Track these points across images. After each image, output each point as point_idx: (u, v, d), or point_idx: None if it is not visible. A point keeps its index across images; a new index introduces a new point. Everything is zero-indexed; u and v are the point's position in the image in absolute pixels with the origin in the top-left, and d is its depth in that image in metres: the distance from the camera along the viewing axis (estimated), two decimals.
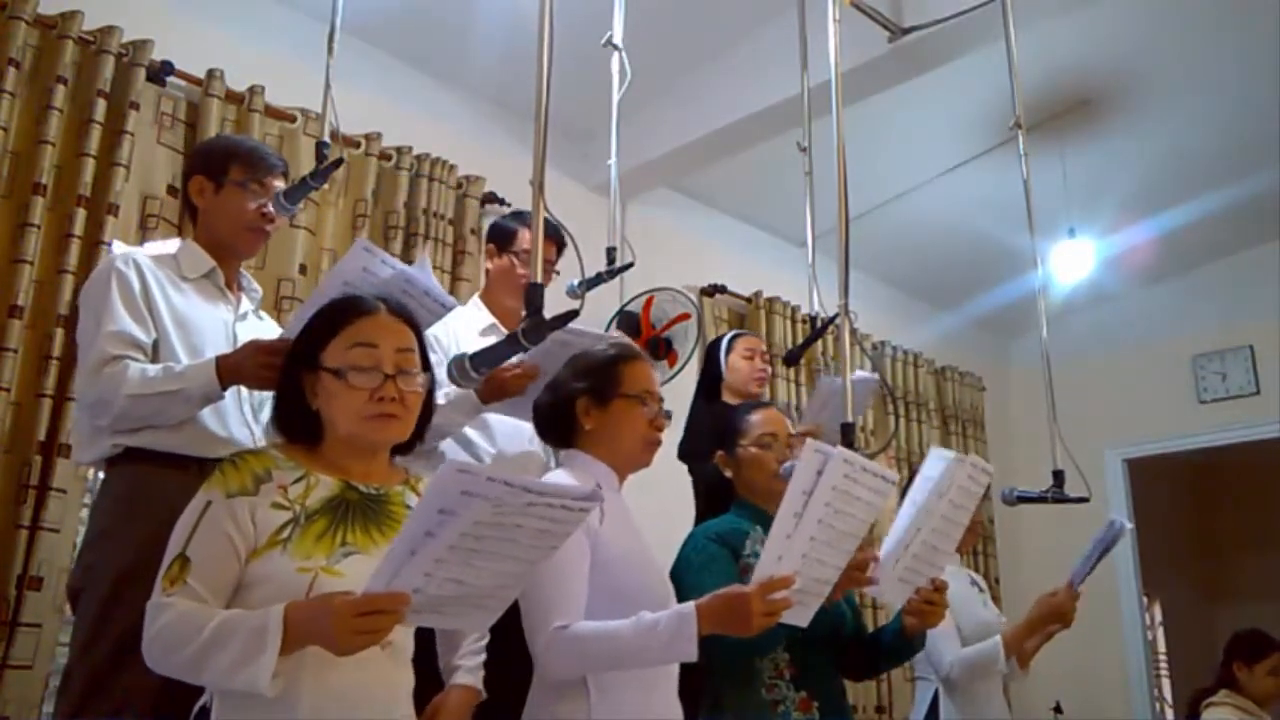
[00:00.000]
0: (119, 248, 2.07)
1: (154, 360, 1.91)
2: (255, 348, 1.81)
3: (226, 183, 2.08)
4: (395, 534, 1.43)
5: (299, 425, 1.51)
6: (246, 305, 2.14)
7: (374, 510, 1.47)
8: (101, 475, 2.02)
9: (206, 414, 1.91)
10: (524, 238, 2.59)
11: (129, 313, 1.90)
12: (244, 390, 1.99)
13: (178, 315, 1.96)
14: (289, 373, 1.53)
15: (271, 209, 2.10)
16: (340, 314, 1.53)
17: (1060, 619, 2.61)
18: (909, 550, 1.82)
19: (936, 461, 1.86)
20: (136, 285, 1.92)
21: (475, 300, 2.72)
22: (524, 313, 1.68)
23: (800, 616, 1.68)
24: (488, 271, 2.72)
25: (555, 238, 2.58)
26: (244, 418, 2.01)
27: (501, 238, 2.67)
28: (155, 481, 1.82)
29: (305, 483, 1.43)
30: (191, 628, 1.29)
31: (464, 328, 2.53)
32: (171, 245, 2.11)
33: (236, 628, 1.28)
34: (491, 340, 2.31)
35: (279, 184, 2.14)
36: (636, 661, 1.65)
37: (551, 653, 1.62)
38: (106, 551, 1.85)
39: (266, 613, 1.28)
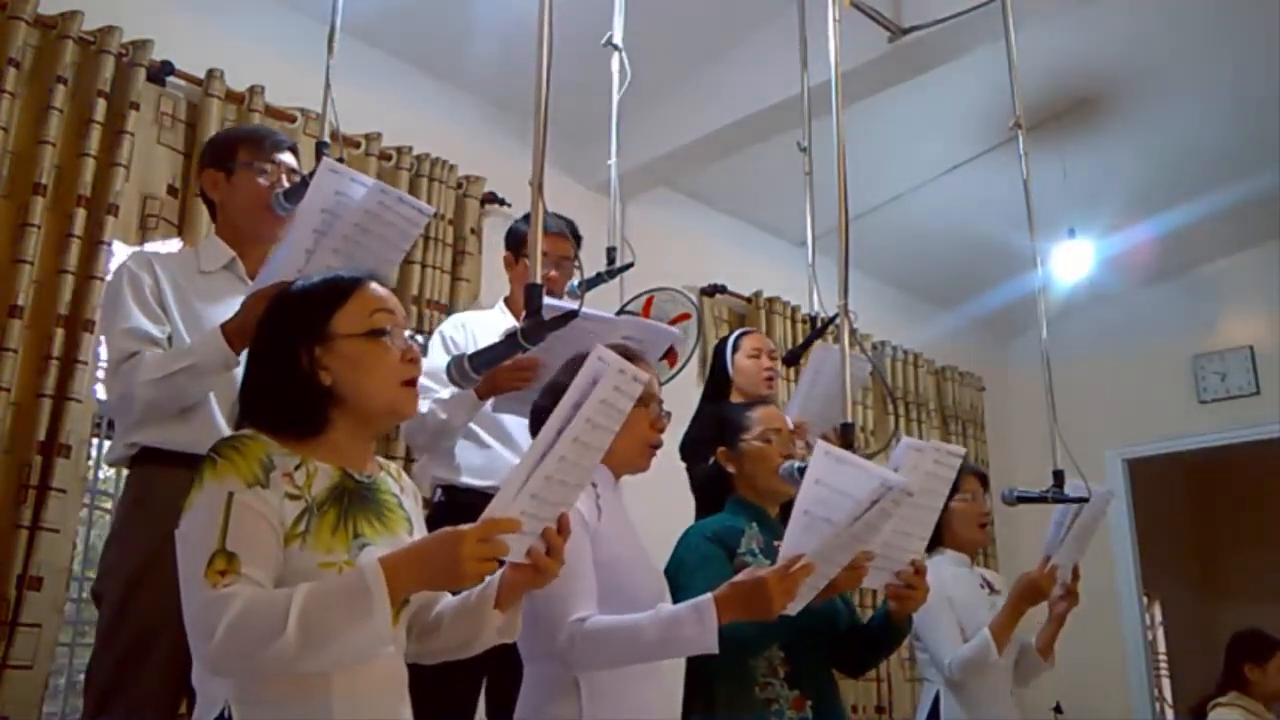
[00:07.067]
0: (119, 247, 2.08)
1: None
2: (257, 297, 1.78)
3: (236, 168, 2.07)
4: (394, 523, 1.42)
5: (307, 410, 1.39)
6: None
7: (370, 499, 1.41)
8: (104, 475, 2.03)
9: (218, 409, 1.92)
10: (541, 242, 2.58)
11: (141, 310, 1.92)
12: None
13: (191, 311, 1.98)
14: (284, 356, 1.40)
15: (286, 183, 2.06)
16: (343, 285, 1.46)
17: (1036, 595, 2.57)
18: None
19: (899, 451, 1.91)
20: (148, 282, 1.95)
21: (500, 305, 2.73)
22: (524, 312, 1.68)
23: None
24: (511, 279, 2.72)
25: (569, 235, 2.58)
26: None
27: (518, 244, 2.68)
28: (167, 481, 1.82)
29: (305, 470, 1.35)
30: (273, 614, 1.18)
31: (484, 330, 2.53)
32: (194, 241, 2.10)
33: (325, 600, 1.20)
34: None
35: (289, 159, 2.11)
36: (657, 654, 1.66)
37: (574, 646, 1.62)
38: (121, 553, 1.89)
39: (359, 572, 1.21)
